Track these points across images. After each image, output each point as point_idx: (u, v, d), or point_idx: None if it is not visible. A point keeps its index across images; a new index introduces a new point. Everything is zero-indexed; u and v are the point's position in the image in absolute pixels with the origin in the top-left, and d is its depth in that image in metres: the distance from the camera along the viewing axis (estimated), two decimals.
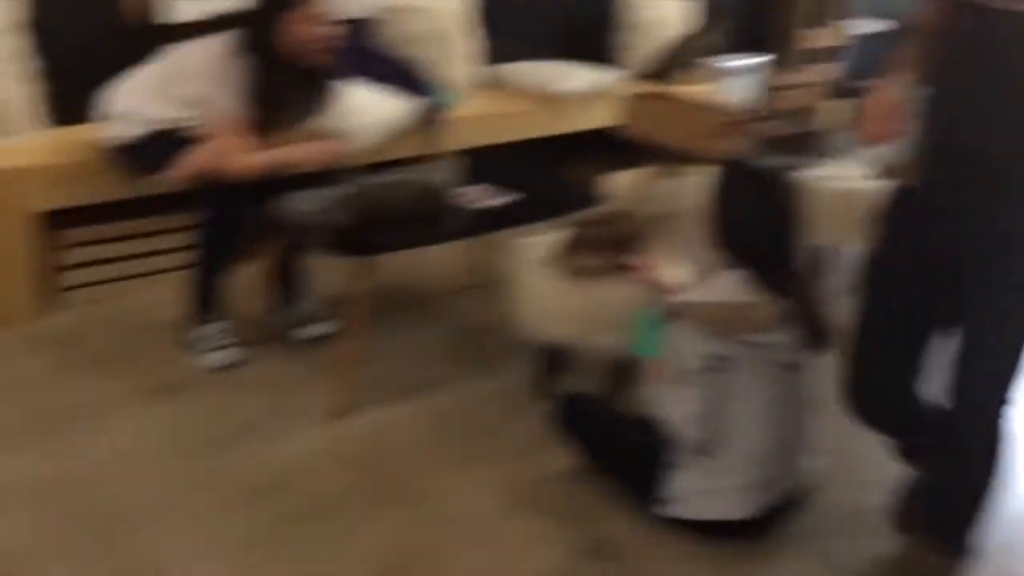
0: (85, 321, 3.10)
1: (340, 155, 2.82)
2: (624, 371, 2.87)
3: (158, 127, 2.91)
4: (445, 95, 4.16)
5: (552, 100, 4.46)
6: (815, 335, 2.21)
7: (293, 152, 2.83)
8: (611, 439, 2.45)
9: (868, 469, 2.55)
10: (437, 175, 3.02)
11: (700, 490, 2.23)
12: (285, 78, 2.83)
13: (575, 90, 4.50)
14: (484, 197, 3.07)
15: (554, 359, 2.96)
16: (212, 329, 2.95)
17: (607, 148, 4.31)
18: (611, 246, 2.67)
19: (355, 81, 3.86)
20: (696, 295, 2.23)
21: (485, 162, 3.72)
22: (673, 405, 2.24)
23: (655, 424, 2.36)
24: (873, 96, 2.14)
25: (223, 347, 2.92)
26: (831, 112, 4.53)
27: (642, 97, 4.13)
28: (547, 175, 3.52)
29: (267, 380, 2.88)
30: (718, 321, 2.14)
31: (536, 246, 2.89)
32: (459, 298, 3.58)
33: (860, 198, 3.89)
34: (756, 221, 2.20)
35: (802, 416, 2.28)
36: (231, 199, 2.83)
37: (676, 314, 2.20)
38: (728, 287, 2.18)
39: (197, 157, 2.86)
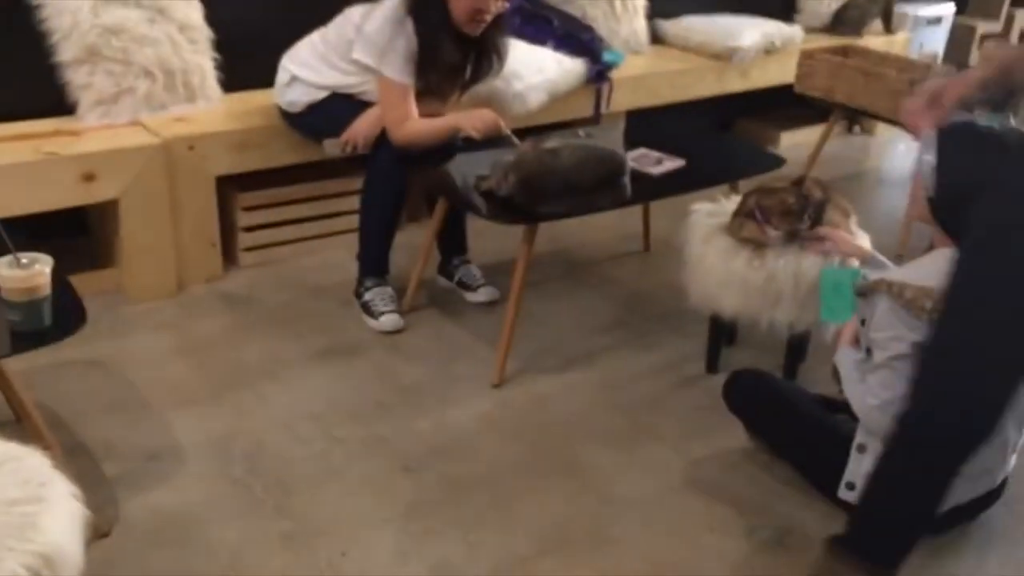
0: (262, 282, 3.19)
1: (500, 124, 2.73)
2: (801, 348, 2.71)
3: (330, 92, 2.94)
4: (611, 54, 4.03)
5: (724, 57, 4.25)
6: None
7: (459, 120, 2.78)
8: (790, 418, 2.30)
9: None
10: (605, 139, 2.93)
11: None
12: (454, 44, 2.78)
13: (748, 46, 4.28)
14: (652, 163, 2.95)
15: (727, 332, 2.83)
16: (380, 293, 2.97)
17: (785, 107, 4.08)
18: (791, 214, 2.50)
19: (521, 42, 3.82)
20: (907, 275, 2.01)
21: (653, 125, 3.60)
22: (866, 388, 2.07)
23: (839, 403, 2.21)
24: None
25: (391, 311, 2.94)
26: None
27: (820, 52, 3.87)
28: (718, 138, 3.32)
29: (433, 346, 2.88)
30: (932, 309, 1.92)
31: (711, 214, 2.75)
32: (626, 264, 3.48)
33: None
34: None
35: (1016, 413, 2.06)
36: (398, 164, 2.83)
37: (882, 292, 2.01)
38: (943, 267, 1.95)
39: (365, 123, 2.87)
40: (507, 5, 2.79)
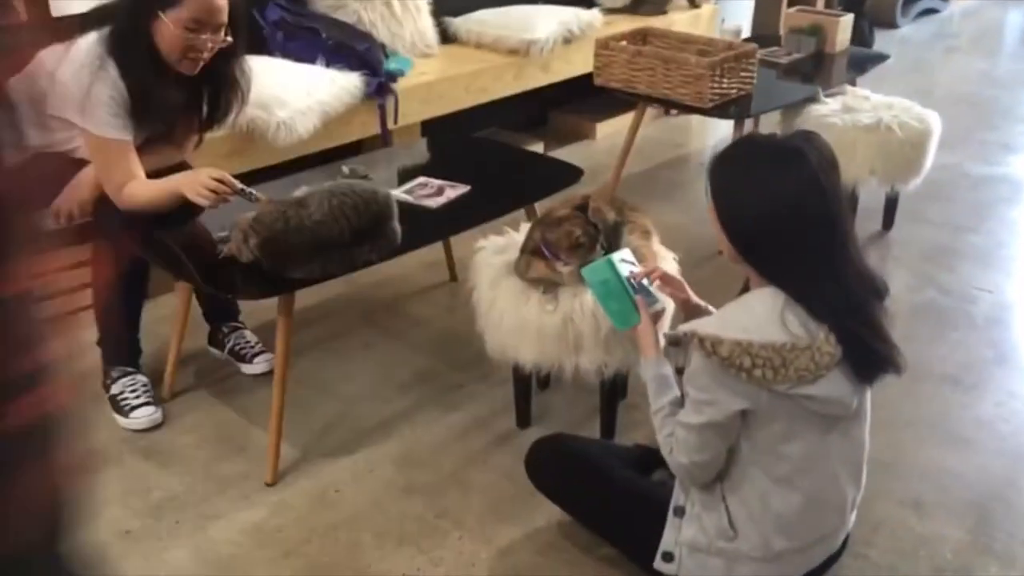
0: None
1: (229, 182, 2.24)
2: (614, 394, 2.40)
3: (34, 152, 2.44)
4: (395, 62, 3.63)
5: (521, 51, 3.91)
6: (877, 365, 1.68)
7: (179, 185, 2.26)
8: (601, 488, 1.98)
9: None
10: (381, 167, 2.55)
11: (712, 548, 1.77)
12: (172, 85, 2.31)
13: (545, 37, 3.95)
14: (430, 193, 2.58)
15: (537, 378, 2.49)
16: (130, 383, 2.50)
17: (599, 94, 3.76)
18: (581, 246, 2.17)
19: (286, 61, 3.37)
20: (722, 324, 1.67)
21: (454, 134, 3.22)
22: (676, 441, 1.76)
23: (655, 459, 1.91)
24: None
25: (144, 404, 2.47)
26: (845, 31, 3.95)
27: (616, 40, 3.57)
28: (511, 154, 2.98)
29: (197, 441, 2.43)
30: (747, 368, 1.60)
31: (498, 250, 2.40)
32: (432, 299, 3.10)
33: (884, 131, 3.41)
34: (785, 211, 1.64)
35: (852, 469, 1.80)
36: (126, 230, 2.36)
37: (690, 344, 1.68)
38: (761, 314, 1.65)
39: (76, 187, 2.39)
40: (228, 40, 2.33)
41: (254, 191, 2.28)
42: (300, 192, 2.27)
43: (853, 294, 1.66)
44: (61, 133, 2.38)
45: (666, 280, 2.04)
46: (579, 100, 4.60)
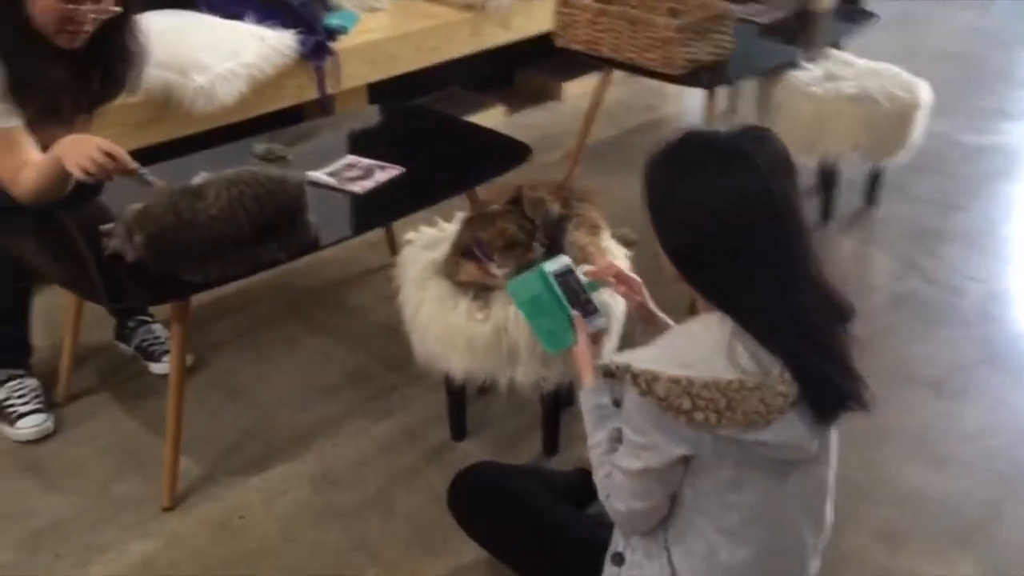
0: None
1: (119, 157, 1.90)
2: (556, 409, 2.15)
3: None
4: (338, 17, 3.31)
5: (477, 6, 3.58)
6: (839, 403, 1.42)
7: (62, 155, 1.91)
8: (531, 530, 1.73)
9: None
10: (296, 153, 2.26)
11: None
12: (51, 59, 1.98)
13: None
14: (358, 175, 2.29)
15: (463, 396, 2.22)
16: (17, 388, 2.22)
17: (560, 54, 3.45)
18: (517, 245, 1.90)
19: (210, 16, 3.05)
20: (660, 357, 1.40)
21: (384, 112, 2.91)
22: (613, 484, 1.51)
23: (590, 496, 1.66)
24: None
25: (33, 411, 2.20)
26: None
27: None
28: (453, 128, 2.68)
29: (93, 454, 2.17)
30: (687, 410, 1.34)
31: (428, 245, 2.12)
32: (369, 285, 2.82)
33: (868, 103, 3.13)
34: (726, 222, 1.38)
35: (813, 514, 1.55)
36: (7, 216, 2.06)
37: (627, 383, 1.43)
38: (706, 345, 1.39)
39: None
40: (115, 10, 2.00)
41: (148, 173, 1.97)
42: (198, 179, 1.98)
43: (810, 320, 1.40)
44: None
45: (620, 279, 1.77)
46: (546, 58, 4.27)
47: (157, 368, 2.41)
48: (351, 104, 3.32)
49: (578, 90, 4.26)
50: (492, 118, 3.98)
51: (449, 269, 1.99)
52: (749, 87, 3.31)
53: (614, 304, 1.92)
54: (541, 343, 1.72)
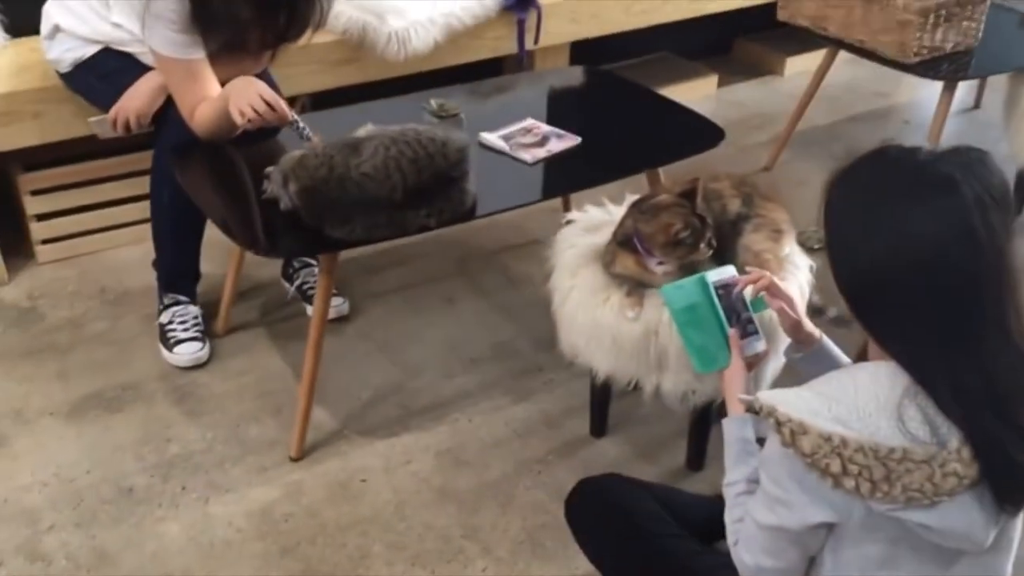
0: (53, 289, 2.52)
1: (279, 107, 1.89)
2: (705, 424, 1.96)
3: (101, 46, 2.20)
4: None
5: None
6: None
7: (228, 100, 1.92)
8: (647, 557, 1.58)
9: None
10: (474, 110, 2.15)
11: None
12: None
13: None
14: (531, 143, 2.16)
15: (607, 392, 2.07)
16: (180, 314, 2.28)
17: (785, 26, 3.15)
18: (679, 245, 1.71)
19: None
20: (812, 405, 1.18)
21: (578, 75, 2.75)
22: (749, 541, 1.33)
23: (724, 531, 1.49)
24: None
25: (191, 339, 2.26)
26: None
27: None
28: (643, 99, 2.48)
29: (235, 390, 2.20)
30: (836, 473, 1.14)
31: (589, 228, 1.97)
32: (536, 253, 2.71)
33: None
34: (917, 262, 1.15)
35: None
36: (188, 148, 2.09)
37: (770, 427, 1.23)
38: (871, 399, 1.17)
39: (137, 95, 2.13)
40: None
41: (306, 128, 1.94)
42: (362, 131, 1.92)
43: (1007, 390, 1.15)
44: (128, 33, 2.13)
45: (773, 292, 1.56)
46: (769, 28, 3.94)
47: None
48: (550, 62, 3.18)
49: (803, 67, 3.91)
50: (702, 89, 3.73)
51: (606, 258, 1.83)
52: (1000, 84, 2.88)
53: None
54: (690, 359, 1.54)
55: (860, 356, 1.34)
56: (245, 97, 1.88)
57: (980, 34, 2.73)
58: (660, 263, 1.74)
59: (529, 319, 2.45)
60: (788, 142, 3.21)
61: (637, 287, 1.78)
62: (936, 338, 1.16)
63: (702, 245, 1.71)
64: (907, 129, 3.56)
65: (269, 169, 1.90)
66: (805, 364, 1.55)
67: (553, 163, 2.10)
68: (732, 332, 1.51)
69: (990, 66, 2.72)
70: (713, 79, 3.76)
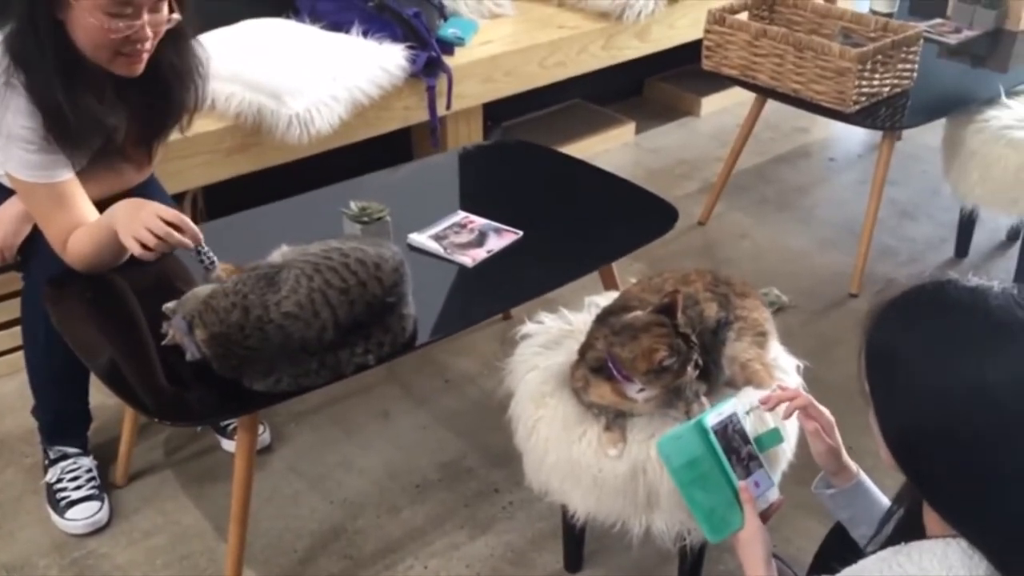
0: None
1: (186, 229, 1.60)
2: (698, 566, 1.73)
3: None
4: (454, 25, 2.92)
5: (612, 15, 3.14)
6: None
7: (120, 230, 1.61)
8: None
9: None
10: (394, 205, 1.88)
11: None
12: (100, 92, 1.66)
13: (645, 0, 3.16)
14: (468, 241, 1.91)
15: (580, 541, 1.83)
16: (70, 469, 1.94)
17: (696, 62, 2.99)
18: (665, 372, 1.48)
19: (313, 28, 2.70)
20: None
21: (500, 151, 2.51)
22: None
23: None
24: None
25: (85, 499, 1.92)
26: None
27: (733, 13, 2.78)
28: (583, 172, 2.26)
29: (145, 556, 1.87)
30: None
31: (548, 344, 1.73)
32: (468, 356, 2.45)
33: None
34: (985, 423, 0.96)
35: None
36: (58, 281, 1.77)
37: None
38: None
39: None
40: (174, 18, 1.65)
41: (211, 256, 1.64)
42: (277, 255, 1.64)
43: None
44: None
45: (809, 413, 1.35)
46: (680, 65, 3.81)
47: (230, 446, 2.09)
48: (463, 125, 2.95)
49: (718, 105, 3.80)
50: (620, 137, 3.55)
51: (577, 383, 1.59)
52: (932, 128, 2.78)
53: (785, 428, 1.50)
54: (699, 526, 1.31)
55: (899, 498, 1.14)
56: (139, 221, 1.57)
57: (915, 75, 2.61)
58: (641, 390, 1.51)
59: (476, 429, 2.19)
60: (720, 193, 3.04)
61: (617, 418, 1.54)
62: (1010, 515, 0.97)
63: (688, 368, 1.49)
64: (834, 167, 3.45)
65: (169, 307, 1.60)
66: (837, 503, 1.35)
67: (495, 265, 1.86)
68: (743, 485, 1.29)
69: (930, 109, 2.60)
70: (630, 127, 3.59)
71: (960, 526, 1.00)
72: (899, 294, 1.05)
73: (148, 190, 1.90)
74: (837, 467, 1.35)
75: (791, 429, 1.55)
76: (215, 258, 1.64)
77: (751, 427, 1.39)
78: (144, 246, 1.58)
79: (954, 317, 0.99)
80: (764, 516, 1.31)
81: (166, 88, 1.76)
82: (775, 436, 1.38)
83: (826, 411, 1.37)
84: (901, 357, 1.01)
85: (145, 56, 1.64)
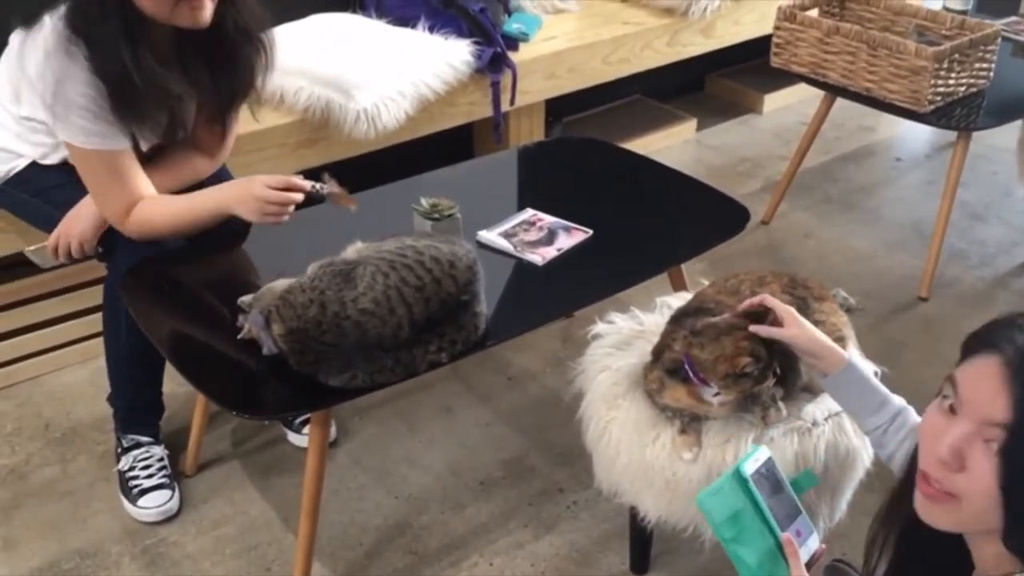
0: None
1: (298, 187, 1.69)
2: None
3: (30, 160, 1.88)
4: (519, 20, 2.92)
5: (677, 10, 3.11)
6: None
7: (226, 200, 1.72)
8: None
9: None
10: (464, 203, 1.88)
11: None
12: (163, 58, 1.68)
13: None
14: (538, 239, 1.90)
15: (648, 543, 1.81)
16: (142, 457, 1.98)
17: (759, 58, 2.95)
18: (745, 377, 1.46)
19: (378, 22, 2.71)
20: None
21: (569, 148, 2.49)
22: None
23: None
24: None
25: (156, 487, 1.95)
26: None
27: (804, 9, 2.73)
28: (656, 173, 2.24)
29: (213, 546, 1.90)
30: None
31: (619, 345, 1.71)
32: (532, 353, 2.44)
33: None
34: None
35: None
36: (136, 274, 1.80)
37: None
38: None
39: (76, 218, 1.81)
40: None
41: (322, 189, 1.74)
42: (351, 251, 1.64)
43: None
44: (49, 135, 1.81)
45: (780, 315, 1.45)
46: (743, 61, 3.76)
47: (296, 439, 2.12)
48: (525, 121, 2.94)
49: (781, 102, 3.75)
50: (681, 134, 3.52)
51: (650, 386, 1.58)
52: (1010, 130, 2.71)
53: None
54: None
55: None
56: (257, 201, 1.68)
57: (992, 74, 2.55)
58: (717, 394, 1.49)
59: (538, 426, 2.19)
60: (786, 192, 3.00)
61: (692, 422, 1.53)
62: None
63: (768, 376, 1.47)
64: (900, 167, 3.38)
65: (244, 300, 1.62)
66: (838, 392, 1.43)
67: (566, 264, 1.84)
68: (786, 537, 1.24)
69: (1006, 110, 2.54)
70: (692, 123, 3.55)
71: None
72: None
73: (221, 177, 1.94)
74: (824, 354, 1.41)
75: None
76: (326, 187, 1.74)
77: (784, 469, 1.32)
78: (277, 219, 1.69)
79: None
80: (809, 565, 1.27)
81: (232, 48, 1.76)
82: (810, 478, 1.32)
83: (785, 308, 1.45)
84: None
85: (209, 7, 1.64)
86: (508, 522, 1.95)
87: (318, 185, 1.73)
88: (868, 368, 1.55)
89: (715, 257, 2.63)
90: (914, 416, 1.37)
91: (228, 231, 1.82)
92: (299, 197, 1.70)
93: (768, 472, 1.26)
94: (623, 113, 3.57)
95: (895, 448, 1.36)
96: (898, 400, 1.39)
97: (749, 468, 1.23)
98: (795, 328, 1.43)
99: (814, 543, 1.27)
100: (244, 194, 1.71)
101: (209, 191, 1.79)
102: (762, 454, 1.28)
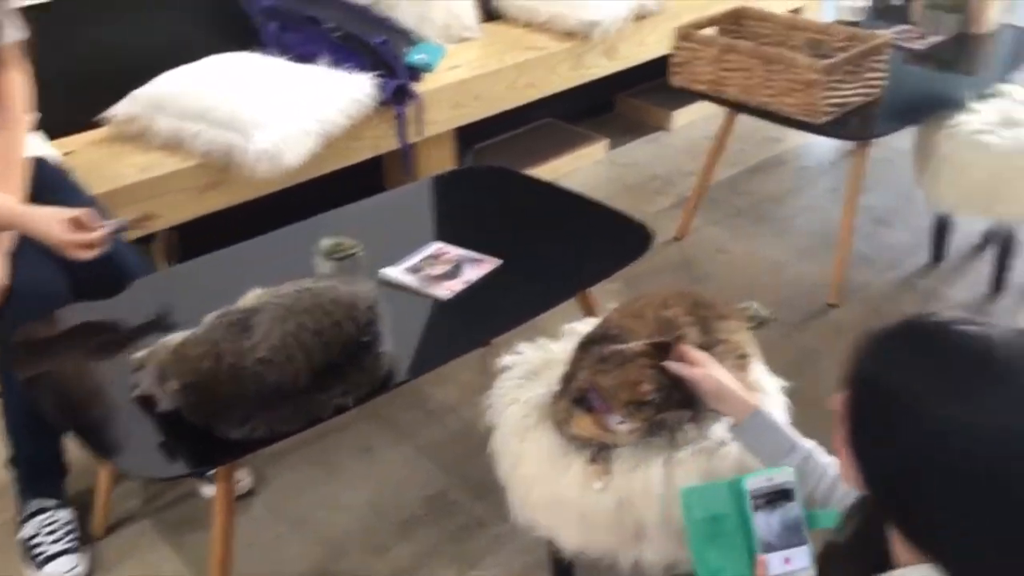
0: None
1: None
2: None
3: None
4: (422, 51, 2.91)
5: (580, 34, 3.14)
6: None
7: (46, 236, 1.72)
8: None
9: None
10: (367, 239, 1.86)
11: None
12: None
13: (612, 17, 3.17)
14: (442, 272, 1.88)
15: (570, 563, 1.80)
16: (48, 522, 1.90)
17: (659, 79, 2.98)
18: (648, 404, 1.46)
19: (279, 59, 2.68)
20: None
21: (474, 178, 2.49)
22: None
23: None
24: None
25: (62, 552, 1.87)
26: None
27: (700, 29, 2.77)
28: (562, 202, 2.24)
29: None
30: None
31: (528, 375, 1.70)
32: (448, 385, 2.42)
33: None
34: (978, 463, 0.93)
35: None
36: (23, 334, 1.73)
37: None
38: None
39: None
40: None
41: (118, 225, 1.77)
42: (249, 298, 1.61)
43: None
44: None
45: (690, 359, 1.47)
46: (651, 79, 3.81)
47: (209, 491, 2.06)
48: (434, 150, 2.93)
49: (689, 118, 3.80)
50: (593, 155, 3.54)
51: (558, 415, 1.57)
52: (902, 136, 2.78)
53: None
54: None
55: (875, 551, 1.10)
56: (61, 245, 1.70)
57: (886, 82, 2.62)
58: (622, 422, 1.49)
59: (458, 460, 2.16)
60: (696, 207, 3.04)
61: (600, 451, 1.52)
62: (998, 557, 0.95)
63: (672, 403, 1.47)
64: (808, 175, 3.45)
65: (138, 356, 1.57)
66: (747, 439, 1.42)
67: (474, 295, 1.83)
68: (761, 559, 1.24)
69: (900, 116, 2.60)
70: (603, 143, 3.58)
71: (938, 556, 0.98)
72: (898, 326, 1.03)
73: (64, 195, 1.90)
74: (731, 400, 1.42)
75: None
76: (122, 224, 1.77)
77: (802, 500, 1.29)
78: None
79: (936, 352, 0.97)
80: None
81: None
82: (831, 519, 1.24)
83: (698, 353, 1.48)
84: (899, 392, 0.99)
85: None
86: (431, 561, 1.92)
87: (117, 231, 1.76)
88: (777, 412, 1.56)
89: (629, 276, 2.65)
90: (823, 457, 1.36)
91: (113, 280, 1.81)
92: (98, 235, 1.71)
93: (778, 493, 1.25)
94: (535, 137, 3.59)
95: (823, 492, 1.34)
96: (808, 443, 1.38)
97: (753, 483, 1.24)
98: (706, 369, 1.43)
99: (804, 571, 1.23)
100: (46, 237, 1.72)
101: (14, 203, 1.78)
102: (780, 476, 1.27)
